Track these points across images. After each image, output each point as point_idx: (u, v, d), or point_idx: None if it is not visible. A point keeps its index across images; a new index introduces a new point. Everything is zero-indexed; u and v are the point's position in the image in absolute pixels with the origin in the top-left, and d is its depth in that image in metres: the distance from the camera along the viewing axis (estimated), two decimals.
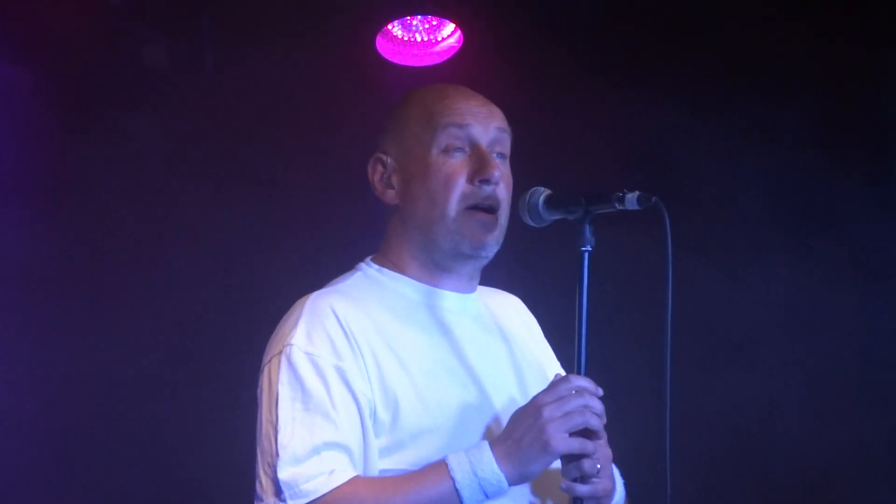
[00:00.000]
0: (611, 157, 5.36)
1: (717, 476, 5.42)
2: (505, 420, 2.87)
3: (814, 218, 5.44)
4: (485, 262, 3.00)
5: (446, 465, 2.76)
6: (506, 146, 3.00)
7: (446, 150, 2.94)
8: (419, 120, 2.97)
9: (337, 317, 2.85)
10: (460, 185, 2.92)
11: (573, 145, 5.41)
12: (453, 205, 2.91)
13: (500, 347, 3.03)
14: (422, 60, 5.51)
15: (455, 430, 2.85)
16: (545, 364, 3.13)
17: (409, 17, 5.47)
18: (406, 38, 5.51)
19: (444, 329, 2.95)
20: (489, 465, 2.75)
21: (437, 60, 5.51)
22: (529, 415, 2.77)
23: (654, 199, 2.82)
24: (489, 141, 2.96)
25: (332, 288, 2.97)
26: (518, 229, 3.02)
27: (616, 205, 2.83)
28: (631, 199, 2.82)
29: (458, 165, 2.93)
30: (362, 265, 3.03)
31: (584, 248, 2.83)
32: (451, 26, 5.50)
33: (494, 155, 2.96)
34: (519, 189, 2.95)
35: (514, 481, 2.78)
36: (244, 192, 5.44)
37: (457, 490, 2.75)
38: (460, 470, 2.76)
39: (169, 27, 5.51)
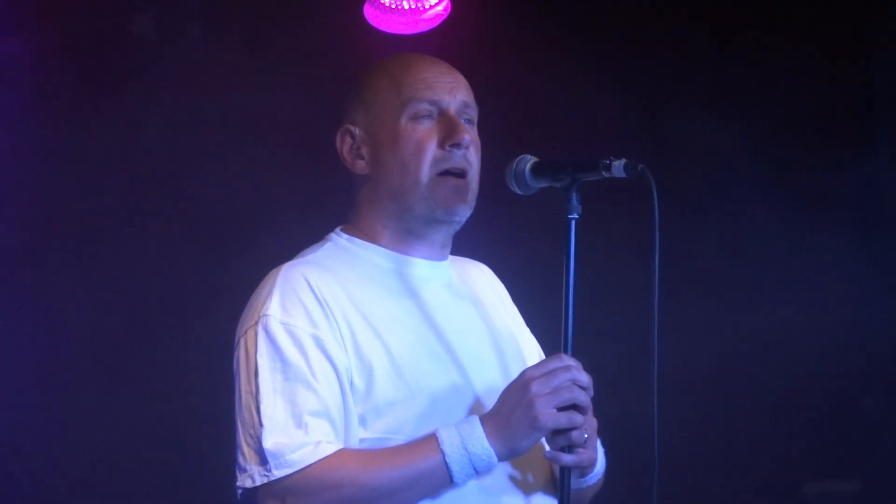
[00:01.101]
0: (598, 125, 5.36)
1: (706, 425, 5.47)
2: (478, 387, 2.90)
3: (799, 170, 5.48)
4: (457, 227, 3.00)
5: (436, 438, 2.77)
6: (473, 114, 3.01)
7: (415, 118, 2.95)
8: (387, 90, 2.98)
9: (311, 286, 2.86)
10: (431, 151, 2.93)
11: (559, 113, 5.41)
12: (425, 171, 2.93)
13: (473, 314, 3.04)
14: (410, 28, 5.49)
15: (430, 398, 2.85)
16: (515, 329, 3.15)
17: None
18: (394, 6, 5.49)
19: (416, 296, 2.96)
20: (479, 440, 2.76)
21: (425, 28, 5.50)
22: (518, 390, 2.78)
23: (640, 166, 2.81)
24: (457, 108, 2.98)
25: (303, 259, 2.98)
26: (490, 199, 3.03)
27: (603, 172, 2.83)
28: (618, 167, 2.82)
29: (427, 132, 2.95)
30: (332, 235, 3.04)
31: (571, 216, 2.83)
32: None
33: (463, 120, 2.97)
34: (505, 157, 2.95)
35: (503, 456, 2.79)
36: (231, 162, 5.44)
37: (447, 464, 2.76)
38: (450, 444, 2.76)
39: None
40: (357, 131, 3.01)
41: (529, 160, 2.91)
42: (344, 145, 3.03)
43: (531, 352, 3.14)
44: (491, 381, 2.92)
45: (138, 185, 5.44)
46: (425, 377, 2.87)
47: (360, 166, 3.00)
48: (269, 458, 2.75)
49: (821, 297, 5.47)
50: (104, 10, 5.39)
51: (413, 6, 5.49)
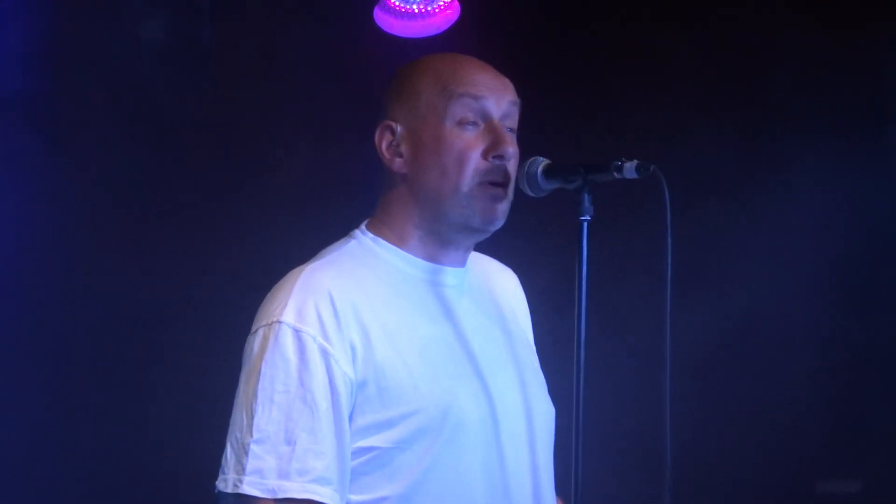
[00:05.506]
0: (609, 129, 5.38)
1: (717, 422, 5.49)
2: (497, 402, 2.88)
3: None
4: (487, 235, 2.95)
5: None
6: (515, 120, 2.96)
7: (460, 124, 2.90)
8: (431, 89, 2.92)
9: (331, 296, 2.81)
10: (474, 160, 2.88)
11: (570, 117, 5.42)
12: (467, 180, 2.88)
13: (493, 322, 3.02)
14: (419, 32, 5.51)
15: (446, 412, 2.82)
16: (530, 340, 3.14)
17: None
18: (403, 9, 5.51)
19: (442, 305, 2.93)
20: None
21: (435, 32, 5.51)
22: None
23: (652, 167, 2.81)
24: (501, 115, 2.93)
25: (326, 260, 2.92)
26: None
27: (614, 174, 2.82)
28: (629, 168, 2.82)
29: (471, 140, 2.89)
30: (357, 233, 2.98)
31: (582, 218, 2.83)
32: None
33: (506, 129, 2.93)
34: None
35: None
36: (243, 166, 5.45)
37: None
38: None
39: (167, 1, 5.51)
40: (398, 128, 2.94)
41: (541, 162, 2.90)
42: (383, 141, 2.95)
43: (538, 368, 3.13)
44: (509, 396, 2.92)
45: (145, 187, 5.46)
46: (443, 391, 2.84)
47: (399, 164, 2.93)
48: (249, 472, 2.73)
49: (831, 296, 5.48)
50: (113, 16, 5.41)
51: (422, 10, 5.51)
